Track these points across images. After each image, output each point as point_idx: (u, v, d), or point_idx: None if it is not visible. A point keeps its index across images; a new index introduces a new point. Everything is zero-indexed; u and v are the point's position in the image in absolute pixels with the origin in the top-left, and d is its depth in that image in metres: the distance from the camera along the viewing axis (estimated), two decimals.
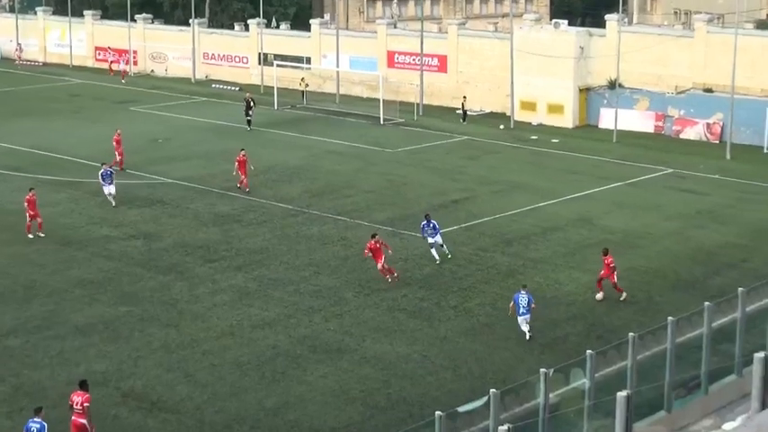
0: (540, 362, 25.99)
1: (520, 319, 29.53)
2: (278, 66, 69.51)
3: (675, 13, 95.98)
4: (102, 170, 42.26)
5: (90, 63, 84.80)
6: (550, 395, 20.08)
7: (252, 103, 59.95)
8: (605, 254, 32.89)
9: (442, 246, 35.68)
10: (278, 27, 79.32)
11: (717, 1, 77.11)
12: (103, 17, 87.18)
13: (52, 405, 24.75)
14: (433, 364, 27.80)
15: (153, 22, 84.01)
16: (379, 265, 33.58)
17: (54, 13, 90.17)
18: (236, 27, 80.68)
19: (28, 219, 38.06)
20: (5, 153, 52.57)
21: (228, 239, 38.30)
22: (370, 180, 47.80)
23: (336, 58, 70.90)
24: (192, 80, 77.90)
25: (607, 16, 63.65)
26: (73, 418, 22.76)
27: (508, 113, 62.71)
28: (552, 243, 38.39)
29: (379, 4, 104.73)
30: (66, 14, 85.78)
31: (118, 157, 48.41)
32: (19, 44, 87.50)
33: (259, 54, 74.77)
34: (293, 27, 79.87)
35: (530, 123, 62.14)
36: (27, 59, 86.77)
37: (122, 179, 46.17)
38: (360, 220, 40.88)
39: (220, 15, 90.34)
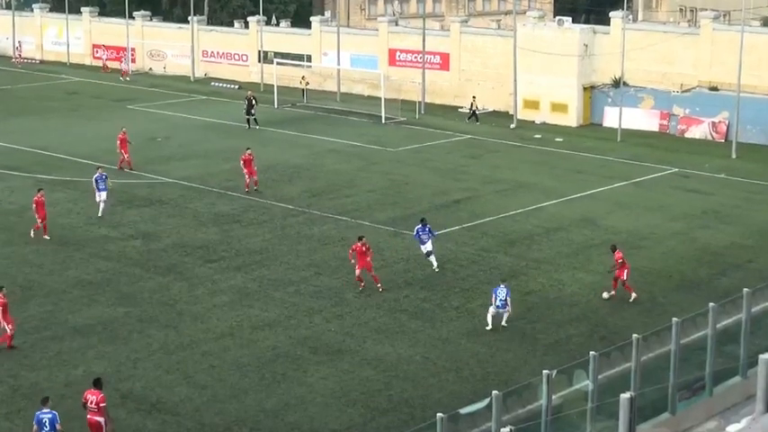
0: (543, 363, 25.87)
1: (492, 309, 29.94)
2: (278, 64, 69.29)
3: (681, 10, 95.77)
4: (97, 174, 40.90)
5: (87, 61, 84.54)
6: (553, 397, 20.00)
7: (254, 102, 59.73)
8: (614, 250, 32.75)
9: (430, 254, 34.46)
10: (278, 24, 79.13)
11: None
12: (101, 14, 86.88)
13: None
14: (434, 366, 27.61)
15: (151, 20, 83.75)
16: (358, 272, 32.62)
17: (51, 10, 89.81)
18: (236, 24, 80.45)
19: (39, 220, 37.56)
20: (3, 152, 52.38)
21: (228, 239, 38.08)
22: (371, 179, 47.58)
23: (337, 56, 70.66)
24: (191, 78, 77.66)
25: (611, 13, 63.38)
26: (88, 416, 22.82)
27: (511, 112, 62.45)
28: (555, 243, 38.15)
29: (380, 2, 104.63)
30: (64, 11, 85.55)
31: (125, 156, 48.14)
32: (19, 42, 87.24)
33: (259, 52, 74.55)
34: (293, 24, 79.67)
35: (533, 122, 61.88)
36: (26, 57, 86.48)
37: (122, 179, 46.00)
38: (361, 220, 40.66)
39: (220, 13, 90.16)
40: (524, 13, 71.58)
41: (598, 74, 62.15)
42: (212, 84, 75.77)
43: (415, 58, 68.39)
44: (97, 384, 23.06)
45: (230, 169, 48.50)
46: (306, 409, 25.15)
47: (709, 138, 58.10)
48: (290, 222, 40.40)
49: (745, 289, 24.13)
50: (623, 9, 62.04)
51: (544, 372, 19.94)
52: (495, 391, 19.11)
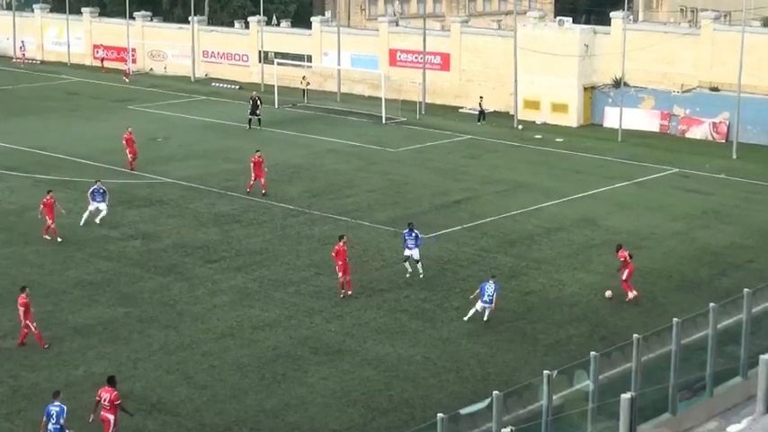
0: (544, 363, 25.82)
1: (480, 305, 30.09)
2: (278, 64, 69.27)
3: (681, 10, 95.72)
4: (96, 186, 39.66)
5: (88, 61, 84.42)
6: (554, 397, 19.97)
7: (259, 102, 59.80)
8: (618, 249, 32.87)
9: (417, 262, 33.81)
10: (278, 25, 79.07)
11: None
12: (102, 14, 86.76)
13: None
14: (435, 366, 27.58)
15: (152, 20, 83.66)
16: (341, 276, 32.18)
17: (51, 10, 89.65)
18: (236, 25, 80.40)
19: (49, 221, 37.39)
20: (2, 152, 52.31)
21: (228, 240, 38.05)
22: (371, 180, 47.55)
23: (338, 56, 70.63)
24: (192, 78, 77.61)
25: (612, 14, 63.34)
26: (101, 413, 22.99)
27: (512, 112, 62.41)
28: (556, 243, 38.12)
29: (380, 2, 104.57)
30: (64, 12, 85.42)
31: (129, 156, 48.11)
32: (22, 42, 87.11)
33: (259, 52, 74.51)
34: (294, 25, 79.62)
35: (533, 122, 61.83)
36: (29, 58, 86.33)
37: (122, 179, 45.97)
38: (361, 221, 40.63)
39: (220, 13, 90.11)
40: (525, 13, 71.53)
41: (599, 74, 62.11)
42: (213, 84, 75.72)
43: (416, 58, 68.35)
44: (111, 382, 23.25)
45: (232, 169, 48.57)
46: (306, 410, 25.12)
47: (710, 138, 58.06)
48: (291, 222, 40.37)
49: (746, 289, 24.11)
50: (624, 9, 61.99)
51: (545, 372, 19.91)
52: (495, 392, 19.08)
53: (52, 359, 27.71)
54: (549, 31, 63.09)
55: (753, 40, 55.95)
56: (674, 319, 22.45)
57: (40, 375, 26.76)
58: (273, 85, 66.94)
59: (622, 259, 32.46)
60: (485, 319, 30.34)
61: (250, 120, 59.05)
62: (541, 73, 61.79)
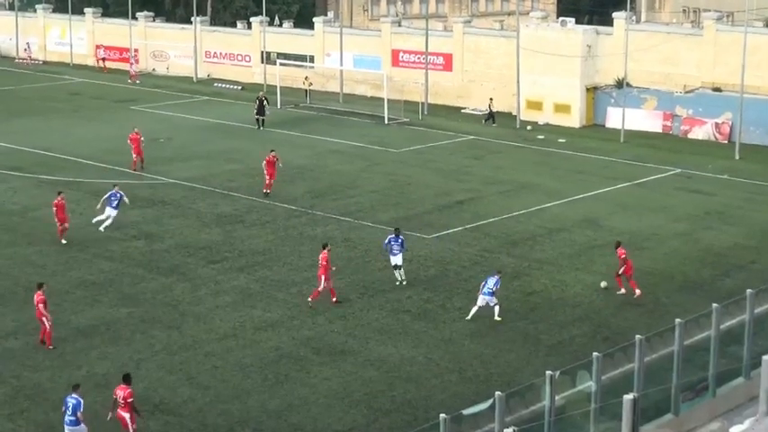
0: (546, 364, 25.77)
1: (480, 298, 30.26)
2: (281, 64, 69.25)
3: (684, 11, 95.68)
4: (113, 191, 38.89)
5: (90, 62, 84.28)
6: (556, 398, 20.02)
7: (266, 102, 59.82)
8: (617, 247, 33.06)
9: (399, 268, 33.23)
10: (281, 25, 79.01)
11: None
12: (104, 15, 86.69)
13: (52, 408, 24.75)
14: (437, 367, 27.57)
15: (154, 20, 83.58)
16: (326, 284, 31.60)
17: (54, 10, 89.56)
18: (239, 25, 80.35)
19: (58, 224, 37.27)
20: (5, 153, 52.32)
21: (231, 240, 38.05)
22: (374, 180, 47.53)
23: (340, 57, 70.62)
24: (194, 79, 77.57)
25: (615, 14, 63.24)
26: (117, 410, 23.20)
27: (514, 113, 62.37)
28: (558, 244, 38.11)
29: (383, 2, 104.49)
30: (67, 12, 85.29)
31: (134, 156, 48.12)
32: (27, 43, 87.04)
33: (262, 52, 74.43)
34: (296, 25, 79.57)
35: (536, 123, 61.79)
36: (35, 59, 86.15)
37: (125, 179, 45.98)
38: (364, 221, 40.62)
39: (222, 13, 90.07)
40: (527, 13, 71.58)
41: (601, 75, 62.05)
42: (215, 84, 75.69)
43: (418, 58, 68.34)
44: (126, 380, 23.38)
45: (233, 170, 48.57)
46: (309, 410, 25.12)
47: (713, 139, 58.00)
48: (293, 223, 40.36)
49: (749, 290, 24.12)
50: (626, 10, 61.97)
51: (547, 373, 19.95)
52: (498, 392, 19.13)
53: (55, 359, 27.72)
54: (552, 32, 63.05)
55: (755, 41, 55.90)
56: (677, 320, 22.47)
57: (42, 376, 26.76)
58: (276, 86, 66.91)
59: (623, 257, 32.57)
60: (497, 317, 30.30)
61: (258, 120, 59.04)
62: (544, 73, 61.74)
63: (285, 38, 75.45)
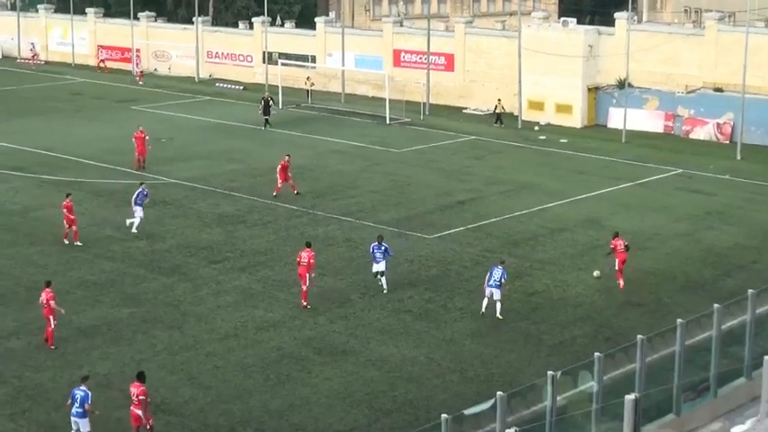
0: (548, 364, 25.76)
1: (488, 289, 30.45)
2: (282, 64, 69.27)
3: (686, 11, 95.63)
4: (140, 189, 38.81)
5: (92, 62, 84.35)
6: (558, 398, 20.01)
7: (272, 102, 59.81)
8: (614, 237, 33.66)
9: (381, 275, 32.56)
10: (282, 25, 79.00)
11: None
12: (106, 15, 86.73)
13: (54, 408, 24.78)
14: (439, 367, 27.55)
15: (156, 20, 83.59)
16: (304, 287, 31.36)
17: (56, 11, 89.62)
18: (241, 25, 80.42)
19: (66, 226, 37.18)
20: (6, 153, 52.33)
21: (232, 240, 38.04)
22: (375, 180, 47.52)
23: (342, 57, 70.60)
24: (196, 79, 77.57)
25: (616, 14, 63.26)
26: (131, 408, 23.21)
27: (516, 113, 62.34)
28: (560, 244, 38.09)
29: (384, 2, 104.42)
30: (69, 12, 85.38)
31: (137, 155, 48.10)
32: (32, 44, 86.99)
33: (263, 53, 74.41)
34: (298, 25, 79.61)
35: (537, 123, 61.75)
36: (36, 59, 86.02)
37: (127, 179, 46.00)
38: (365, 221, 40.60)
39: (224, 13, 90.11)
40: (529, 13, 71.50)
41: (603, 75, 62.03)
42: (217, 84, 75.71)
43: (420, 58, 68.34)
44: (140, 377, 23.40)
45: (234, 170, 48.57)
46: (310, 410, 25.10)
47: (714, 139, 57.97)
48: (295, 223, 40.35)
49: (750, 290, 24.07)
50: (628, 10, 61.95)
51: (549, 373, 19.93)
52: (499, 392, 19.10)
53: (56, 360, 27.70)
54: (554, 32, 63.02)
55: (757, 41, 55.86)
56: (679, 320, 22.44)
57: (44, 376, 26.74)
58: (277, 86, 66.89)
59: (612, 247, 33.20)
60: (498, 315, 30.36)
61: (266, 119, 59.02)
62: (545, 74, 61.71)
63: (287, 38, 75.45)
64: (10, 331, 29.54)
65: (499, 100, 62.28)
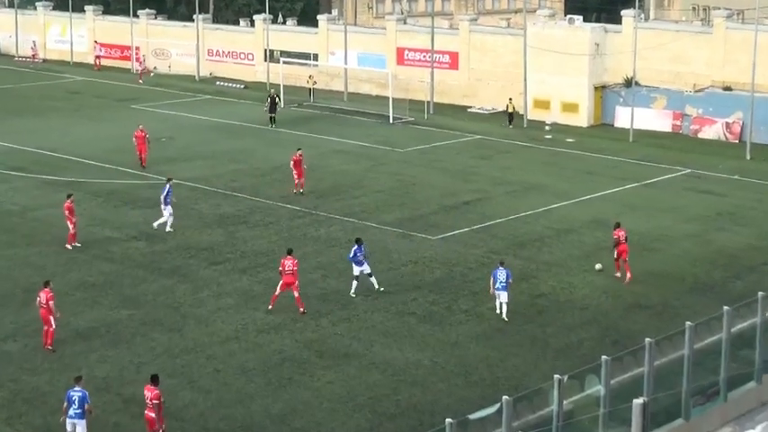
0: (554, 368, 25.49)
1: (496, 293, 30.48)
2: (284, 63, 69.07)
3: (694, 8, 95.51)
4: (168, 186, 38.58)
5: (91, 60, 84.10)
6: (564, 402, 19.98)
7: (277, 100, 59.70)
8: (615, 228, 33.88)
9: (370, 275, 32.27)
10: (284, 23, 78.93)
11: None
12: (105, 12, 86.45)
13: (50, 411, 24.54)
14: (443, 370, 27.26)
15: (156, 18, 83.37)
16: (296, 293, 30.83)
17: (54, 8, 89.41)
18: (242, 23, 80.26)
19: (70, 228, 36.67)
20: (4, 152, 52.13)
21: (233, 241, 37.75)
22: (378, 180, 47.23)
23: (344, 55, 70.27)
24: (196, 77, 77.28)
25: (623, 12, 62.94)
26: (146, 411, 23.12)
27: (521, 112, 62.01)
28: (566, 245, 37.76)
29: (388, 0, 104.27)
30: (67, 10, 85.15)
31: (138, 155, 47.86)
32: (33, 42, 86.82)
33: (265, 51, 74.20)
34: (300, 23, 79.49)
35: (543, 122, 61.41)
36: (36, 57, 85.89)
37: (126, 179, 45.76)
38: (368, 222, 40.31)
39: (225, 11, 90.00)
40: (535, 11, 71.23)
41: (609, 73, 61.75)
42: (217, 83, 75.50)
43: (424, 57, 68.00)
44: (154, 380, 23.24)
45: (235, 170, 48.29)
46: (312, 414, 24.83)
47: (723, 138, 57.64)
48: (297, 224, 40.04)
49: (760, 292, 24.12)
50: (635, 8, 61.55)
51: (555, 377, 19.96)
52: (505, 397, 19.09)
53: (54, 362, 27.43)
54: (560, 30, 62.73)
55: (766, 39, 55.46)
56: (687, 323, 22.49)
57: (41, 379, 26.48)
58: (279, 85, 66.66)
59: (616, 237, 33.30)
60: (504, 317, 30.24)
61: (271, 118, 58.83)
62: (551, 72, 61.38)
63: (289, 36, 75.24)
64: (7, 334, 29.27)
65: (510, 99, 61.54)
